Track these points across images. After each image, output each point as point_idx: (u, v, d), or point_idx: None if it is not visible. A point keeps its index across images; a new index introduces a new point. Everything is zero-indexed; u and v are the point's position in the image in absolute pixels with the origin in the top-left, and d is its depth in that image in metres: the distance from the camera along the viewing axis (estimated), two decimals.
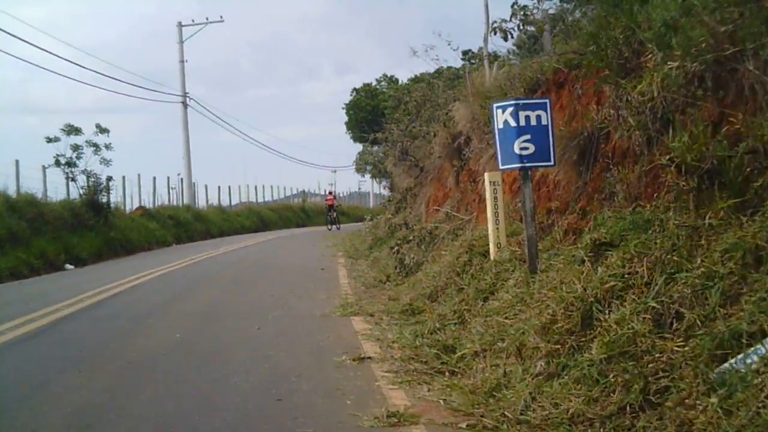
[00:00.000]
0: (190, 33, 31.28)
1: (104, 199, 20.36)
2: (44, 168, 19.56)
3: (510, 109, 6.02)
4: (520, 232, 6.81)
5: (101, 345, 6.90)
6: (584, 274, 4.55)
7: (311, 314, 8.30)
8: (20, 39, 18.70)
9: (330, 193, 32.21)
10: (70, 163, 19.63)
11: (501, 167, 6.35)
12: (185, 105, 30.28)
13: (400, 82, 34.18)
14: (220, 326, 7.67)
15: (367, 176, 32.63)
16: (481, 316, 6.07)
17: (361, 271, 13.03)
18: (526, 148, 5.94)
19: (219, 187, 36.43)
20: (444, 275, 8.05)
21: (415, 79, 31.78)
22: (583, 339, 4.15)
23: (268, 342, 6.77)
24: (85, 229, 18.65)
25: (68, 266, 16.47)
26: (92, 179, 20.03)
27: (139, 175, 26.75)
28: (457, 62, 15.36)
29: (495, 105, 6.25)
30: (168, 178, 29.47)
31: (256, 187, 42.74)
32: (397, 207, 19.59)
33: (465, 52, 15.63)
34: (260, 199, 42.94)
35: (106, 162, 20.20)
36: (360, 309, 8.44)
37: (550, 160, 6.07)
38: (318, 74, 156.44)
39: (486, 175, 7.36)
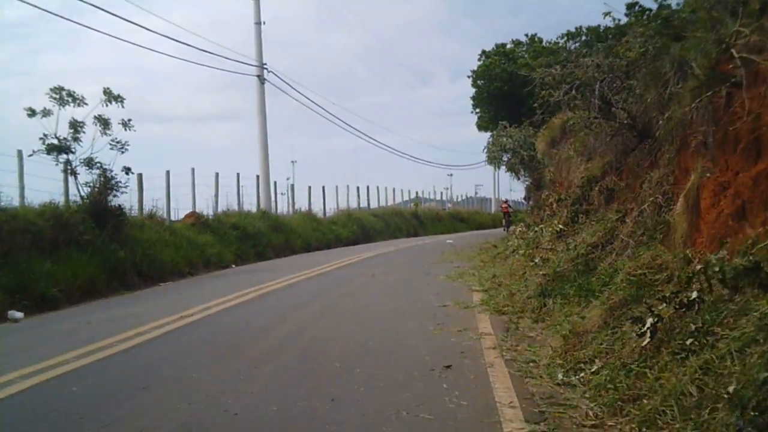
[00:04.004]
0: None
1: (116, 202, 13.55)
2: (20, 154, 12.83)
3: None
4: None
5: None
6: None
7: None
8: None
9: (505, 201, 33.38)
10: (62, 148, 12.93)
11: None
12: (261, 79, 23.23)
13: (544, 43, 25.38)
14: None
15: (502, 169, 23.95)
16: None
17: (555, 389, 5.04)
18: None
19: (309, 187, 28.75)
20: None
21: (569, 34, 23.19)
22: None
23: None
24: (75, 248, 11.86)
25: (15, 315, 9.61)
26: (106, 173, 13.33)
27: (193, 169, 19.77)
28: None
29: None
30: (238, 174, 22.30)
31: (358, 189, 35.05)
32: (573, 213, 11.35)
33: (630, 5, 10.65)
34: (365, 205, 35.17)
35: (118, 146, 13.39)
36: None
37: None
38: (432, 80, 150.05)
39: None
